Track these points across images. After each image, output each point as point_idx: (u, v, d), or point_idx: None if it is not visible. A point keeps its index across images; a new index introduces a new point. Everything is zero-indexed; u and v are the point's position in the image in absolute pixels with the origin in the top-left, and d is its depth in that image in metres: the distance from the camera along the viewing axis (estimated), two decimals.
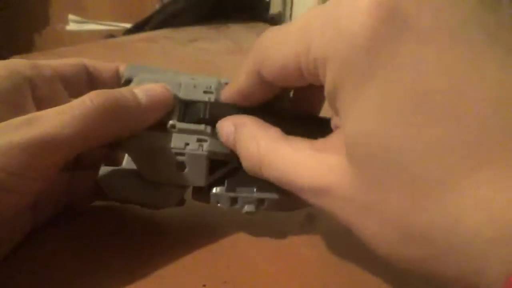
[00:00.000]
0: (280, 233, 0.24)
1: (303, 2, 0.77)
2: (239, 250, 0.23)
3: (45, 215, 0.22)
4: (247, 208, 0.22)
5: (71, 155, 0.19)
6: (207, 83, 0.24)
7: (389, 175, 0.14)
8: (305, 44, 0.16)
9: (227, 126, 0.21)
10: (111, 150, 0.22)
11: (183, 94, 0.23)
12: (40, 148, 0.17)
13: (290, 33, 0.18)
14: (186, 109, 0.22)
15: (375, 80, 0.14)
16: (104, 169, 0.23)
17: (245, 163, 0.20)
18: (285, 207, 0.22)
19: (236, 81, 0.21)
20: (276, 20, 0.83)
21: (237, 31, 0.72)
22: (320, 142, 0.18)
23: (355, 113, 0.15)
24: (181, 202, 0.23)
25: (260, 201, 0.22)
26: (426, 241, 0.13)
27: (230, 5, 0.76)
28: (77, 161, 0.24)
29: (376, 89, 0.14)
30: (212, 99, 0.23)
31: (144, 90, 0.21)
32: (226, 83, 0.24)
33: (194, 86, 0.23)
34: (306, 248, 0.23)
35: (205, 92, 0.23)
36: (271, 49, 0.19)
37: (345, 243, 0.24)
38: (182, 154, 0.21)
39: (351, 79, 0.14)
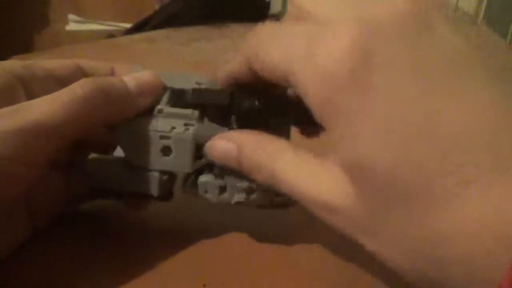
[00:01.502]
0: (280, 233, 0.24)
1: None
2: (239, 250, 0.23)
3: (43, 219, 0.22)
4: (237, 198, 0.21)
5: (62, 142, 0.19)
6: (202, 78, 0.24)
7: (388, 195, 0.14)
8: (289, 65, 0.17)
9: (225, 143, 0.21)
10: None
11: (175, 84, 0.23)
12: (31, 134, 0.17)
13: (280, 39, 0.18)
14: (177, 98, 0.23)
15: (361, 114, 0.15)
16: (91, 157, 0.23)
17: (258, 177, 0.20)
18: (277, 198, 0.22)
19: (229, 65, 0.22)
20: (276, 20, 0.83)
21: (237, 31, 0.72)
22: (321, 154, 0.18)
23: (348, 140, 0.15)
24: (168, 196, 0.23)
25: (250, 190, 0.21)
26: (425, 255, 0.14)
27: (230, 5, 0.76)
28: (72, 160, 0.24)
29: (363, 121, 0.15)
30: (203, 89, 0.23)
31: (133, 77, 0.22)
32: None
33: (187, 78, 0.24)
34: (307, 248, 0.23)
35: (197, 83, 0.23)
36: (261, 49, 0.19)
37: (346, 243, 0.24)
38: (168, 138, 0.21)
39: (335, 115, 0.16)
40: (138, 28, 0.73)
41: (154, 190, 0.22)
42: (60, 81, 0.22)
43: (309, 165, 0.18)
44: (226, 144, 0.20)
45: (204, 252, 0.22)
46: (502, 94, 0.13)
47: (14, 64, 0.21)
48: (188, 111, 0.22)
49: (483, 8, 0.30)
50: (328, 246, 0.24)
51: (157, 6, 0.84)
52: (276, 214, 0.23)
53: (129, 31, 0.74)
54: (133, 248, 0.22)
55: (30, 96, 0.20)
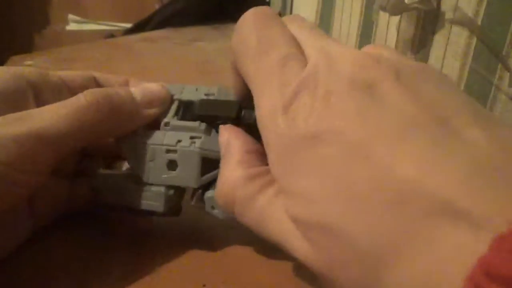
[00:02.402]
0: None
1: (303, 2, 0.77)
2: (239, 250, 0.23)
3: (44, 221, 0.22)
4: None
5: (64, 151, 0.19)
6: (212, 89, 0.23)
7: (343, 251, 0.13)
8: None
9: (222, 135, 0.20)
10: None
11: (183, 96, 0.23)
12: (33, 141, 0.17)
13: (249, 53, 0.18)
14: (185, 110, 0.22)
15: (307, 173, 0.14)
16: (99, 173, 0.23)
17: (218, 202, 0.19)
18: None
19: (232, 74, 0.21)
20: None
21: None
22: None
23: (302, 197, 0.14)
24: (176, 211, 0.22)
25: None
26: None
27: (230, 5, 0.76)
28: (78, 169, 0.24)
29: (307, 179, 0.14)
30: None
31: (140, 89, 0.22)
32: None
33: (196, 89, 0.23)
34: None
35: (206, 94, 0.23)
36: (235, 52, 0.19)
37: None
38: (173, 152, 0.20)
39: (283, 173, 0.15)
40: (138, 28, 0.73)
41: (160, 206, 0.21)
42: (74, 91, 0.22)
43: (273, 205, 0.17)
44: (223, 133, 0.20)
45: (204, 252, 0.22)
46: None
47: (27, 70, 0.21)
48: (195, 124, 0.21)
49: (483, 8, 0.30)
50: None
51: (157, 6, 0.84)
52: None
53: (129, 31, 0.74)
54: (133, 248, 0.22)
55: (40, 103, 0.20)
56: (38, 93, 0.21)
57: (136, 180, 0.21)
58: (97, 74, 0.24)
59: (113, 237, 0.23)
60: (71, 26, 1.06)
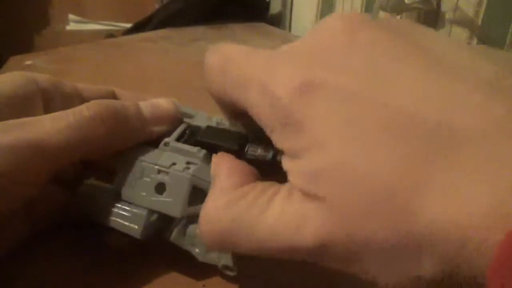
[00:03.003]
0: None
1: (303, 2, 0.77)
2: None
3: (40, 227, 0.22)
4: (224, 260, 0.18)
5: (62, 163, 0.18)
6: (223, 119, 0.22)
7: (362, 194, 0.13)
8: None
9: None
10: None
11: (193, 120, 0.22)
12: (30, 151, 0.17)
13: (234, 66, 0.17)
14: (190, 135, 0.21)
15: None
16: (85, 183, 0.21)
17: (205, 240, 0.17)
18: (268, 271, 0.19)
19: None
20: (276, 20, 0.83)
21: (237, 31, 0.72)
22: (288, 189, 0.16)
23: (314, 149, 0.14)
24: (150, 237, 0.20)
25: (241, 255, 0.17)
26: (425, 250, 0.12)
27: (230, 5, 0.76)
28: (79, 178, 0.24)
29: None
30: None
31: (149, 104, 0.21)
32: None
33: (208, 118, 0.22)
34: None
35: (218, 123, 0.22)
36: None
37: None
38: (165, 173, 0.19)
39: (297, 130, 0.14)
40: (138, 28, 0.73)
41: (137, 231, 0.19)
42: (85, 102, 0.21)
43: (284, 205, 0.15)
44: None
45: None
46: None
47: (40, 77, 0.20)
48: (194, 149, 0.19)
49: (483, 8, 0.30)
50: None
51: (157, 6, 0.84)
52: None
53: (129, 31, 0.74)
54: (133, 248, 0.22)
55: (50, 111, 0.20)
56: (49, 101, 0.20)
57: (119, 196, 0.19)
58: (117, 90, 0.23)
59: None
60: (71, 26, 1.06)
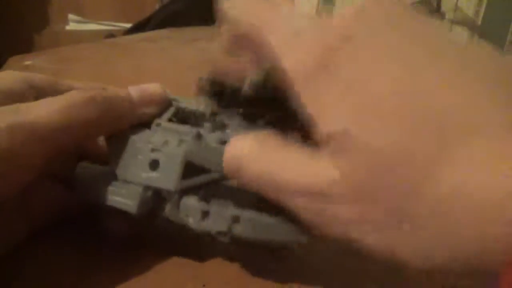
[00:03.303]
0: None
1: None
2: (239, 250, 0.23)
3: (39, 225, 0.22)
4: (219, 226, 0.19)
5: (57, 147, 0.19)
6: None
7: (379, 167, 0.14)
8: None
9: None
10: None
11: (181, 103, 0.23)
12: (25, 134, 0.17)
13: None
14: (183, 117, 0.22)
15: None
16: (80, 165, 0.22)
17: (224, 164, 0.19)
18: (266, 234, 0.19)
19: None
20: None
21: None
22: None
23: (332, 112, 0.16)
24: (150, 218, 0.20)
25: (235, 219, 0.19)
26: (434, 223, 0.14)
27: None
28: (71, 172, 0.24)
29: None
30: (209, 112, 0.22)
31: (137, 87, 0.22)
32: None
33: (196, 100, 0.23)
34: (307, 248, 0.23)
35: (205, 106, 0.22)
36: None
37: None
38: (158, 151, 0.20)
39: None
40: (138, 28, 0.73)
41: (133, 206, 0.19)
42: None
43: (296, 151, 0.17)
44: None
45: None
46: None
47: (36, 76, 0.21)
48: (186, 128, 0.20)
49: (483, 8, 0.30)
50: (328, 246, 0.24)
51: (157, 6, 0.84)
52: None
53: (129, 31, 0.74)
54: (133, 248, 0.22)
55: None
56: (42, 98, 0.20)
57: (114, 177, 0.20)
58: (107, 87, 0.24)
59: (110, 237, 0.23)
60: (71, 26, 1.06)
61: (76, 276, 0.20)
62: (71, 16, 1.07)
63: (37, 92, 0.20)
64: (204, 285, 0.20)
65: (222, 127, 0.21)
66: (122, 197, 0.20)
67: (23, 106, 0.18)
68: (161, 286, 0.20)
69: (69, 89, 0.21)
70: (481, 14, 0.30)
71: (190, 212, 0.20)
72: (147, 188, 0.20)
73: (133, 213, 0.19)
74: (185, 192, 0.20)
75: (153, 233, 0.22)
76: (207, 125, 0.21)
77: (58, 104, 0.18)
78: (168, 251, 0.21)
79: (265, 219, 0.19)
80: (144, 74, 0.49)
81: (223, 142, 0.20)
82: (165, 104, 0.22)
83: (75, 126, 0.19)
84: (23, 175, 0.18)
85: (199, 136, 0.20)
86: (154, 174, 0.20)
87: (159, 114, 0.22)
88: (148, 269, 0.21)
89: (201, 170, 0.19)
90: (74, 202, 0.22)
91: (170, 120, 0.22)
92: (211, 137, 0.20)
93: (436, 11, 0.35)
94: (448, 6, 0.33)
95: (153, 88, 0.22)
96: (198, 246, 0.21)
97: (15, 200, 0.20)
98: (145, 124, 0.21)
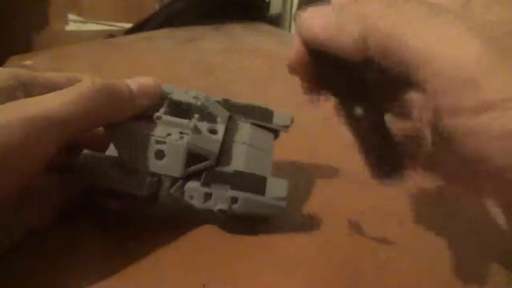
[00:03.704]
0: (280, 233, 0.24)
1: None
2: (240, 250, 0.23)
3: (38, 221, 0.22)
4: (220, 205, 0.22)
5: (68, 136, 0.20)
6: (200, 93, 0.26)
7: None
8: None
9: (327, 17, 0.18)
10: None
11: (174, 96, 0.25)
12: (38, 125, 0.18)
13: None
14: (176, 109, 0.24)
15: None
16: (84, 154, 0.24)
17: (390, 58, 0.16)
18: (256, 209, 0.23)
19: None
20: (276, 20, 0.83)
21: (236, 31, 0.72)
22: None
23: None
24: (154, 199, 0.23)
25: (233, 200, 0.22)
26: None
27: (230, 5, 0.76)
28: (66, 165, 0.24)
29: None
30: (200, 103, 0.25)
31: (134, 80, 0.23)
32: (225, 99, 0.27)
33: (185, 92, 0.25)
34: (307, 248, 0.23)
35: (194, 97, 0.25)
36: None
37: (345, 243, 0.24)
38: (163, 143, 0.22)
39: None
40: (138, 28, 0.73)
41: (142, 190, 0.22)
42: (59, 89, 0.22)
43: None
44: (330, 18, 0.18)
45: (204, 252, 0.22)
46: None
47: (19, 71, 0.22)
48: (185, 121, 0.23)
49: None
50: (328, 245, 0.24)
51: (157, 6, 0.84)
52: (275, 215, 0.23)
53: (129, 31, 0.74)
54: (133, 248, 0.22)
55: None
56: (28, 92, 0.21)
57: (121, 165, 0.23)
58: (80, 76, 0.25)
59: (112, 236, 0.23)
60: (71, 26, 1.06)
61: (74, 276, 0.20)
62: (70, 16, 1.06)
63: (23, 86, 0.21)
64: (204, 285, 0.20)
65: (210, 117, 0.25)
66: (132, 183, 0.22)
67: (31, 100, 0.19)
68: (161, 286, 0.20)
69: (46, 80, 0.22)
70: None
71: (194, 194, 0.23)
72: (154, 174, 0.22)
73: (143, 195, 0.22)
74: (187, 178, 0.23)
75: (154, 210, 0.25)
76: (196, 115, 0.24)
77: (68, 96, 0.20)
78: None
79: (256, 197, 0.22)
80: (143, 74, 0.49)
81: (213, 131, 0.24)
82: (159, 96, 0.24)
83: (85, 116, 0.20)
84: (35, 166, 0.19)
85: (197, 129, 0.23)
86: (160, 163, 0.22)
87: (153, 105, 0.23)
88: (148, 269, 0.21)
89: (200, 157, 0.23)
90: (66, 192, 0.23)
91: (166, 112, 0.23)
92: (201, 126, 0.24)
93: None
94: None
95: (147, 81, 0.24)
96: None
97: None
98: (141, 116, 0.23)
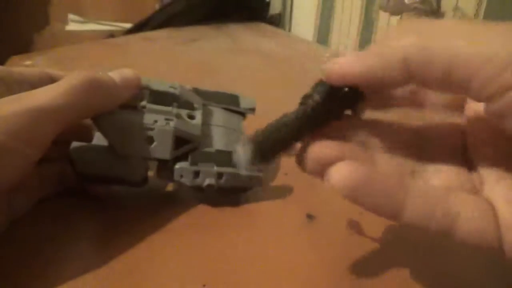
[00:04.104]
0: (280, 233, 0.24)
1: (303, 2, 0.77)
2: (240, 250, 0.23)
3: (21, 210, 0.23)
4: (208, 181, 0.25)
5: (62, 126, 0.21)
6: (174, 84, 0.28)
7: None
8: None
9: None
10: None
11: (153, 86, 0.26)
12: (38, 115, 0.20)
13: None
14: (155, 97, 0.26)
15: None
16: (75, 144, 0.25)
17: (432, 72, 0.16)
18: (238, 182, 0.26)
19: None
20: (276, 20, 0.83)
21: (237, 31, 0.72)
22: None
23: None
24: (144, 181, 0.26)
25: (219, 175, 0.25)
26: None
27: (230, 5, 0.76)
28: (44, 155, 0.24)
29: None
30: (177, 93, 0.27)
31: (117, 72, 0.25)
32: (195, 88, 0.29)
33: (162, 83, 0.27)
34: (307, 248, 0.23)
35: (170, 87, 0.27)
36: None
37: (345, 242, 0.24)
38: (151, 129, 0.24)
39: None
40: (138, 28, 0.73)
41: (136, 174, 0.25)
42: (33, 85, 0.24)
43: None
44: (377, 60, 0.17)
45: (204, 252, 0.22)
46: None
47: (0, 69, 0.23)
48: (168, 109, 0.25)
49: (483, 8, 0.30)
50: (328, 246, 0.24)
51: (157, 6, 0.84)
52: (275, 216, 0.23)
53: (129, 31, 0.74)
54: (133, 248, 0.22)
55: (6, 95, 0.21)
56: (9, 87, 0.23)
57: (113, 152, 0.24)
58: (50, 71, 0.27)
59: (112, 236, 0.23)
60: (71, 26, 1.06)
61: (76, 277, 0.20)
62: (71, 16, 1.07)
63: (2, 81, 0.22)
64: (204, 285, 0.20)
65: (187, 104, 0.27)
66: (126, 168, 0.24)
67: (27, 93, 0.21)
68: (161, 286, 0.20)
69: (20, 76, 0.24)
70: (481, 14, 0.30)
71: (184, 173, 0.25)
72: (146, 159, 0.25)
73: (137, 179, 0.25)
74: (176, 159, 0.25)
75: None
76: (175, 103, 0.26)
77: (60, 88, 0.21)
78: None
79: (238, 172, 0.25)
80: (143, 74, 0.49)
81: (191, 117, 0.27)
82: (139, 87, 0.26)
83: (76, 106, 0.21)
84: (35, 153, 0.20)
85: (179, 115, 0.26)
86: (150, 148, 0.24)
87: (135, 96, 0.25)
88: (148, 269, 0.21)
89: (185, 140, 0.25)
90: (46, 182, 0.24)
91: (149, 101, 0.25)
92: (182, 112, 0.26)
93: (436, 11, 0.35)
94: (448, 6, 0.33)
95: (128, 72, 0.25)
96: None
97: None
98: (125, 106, 0.24)
